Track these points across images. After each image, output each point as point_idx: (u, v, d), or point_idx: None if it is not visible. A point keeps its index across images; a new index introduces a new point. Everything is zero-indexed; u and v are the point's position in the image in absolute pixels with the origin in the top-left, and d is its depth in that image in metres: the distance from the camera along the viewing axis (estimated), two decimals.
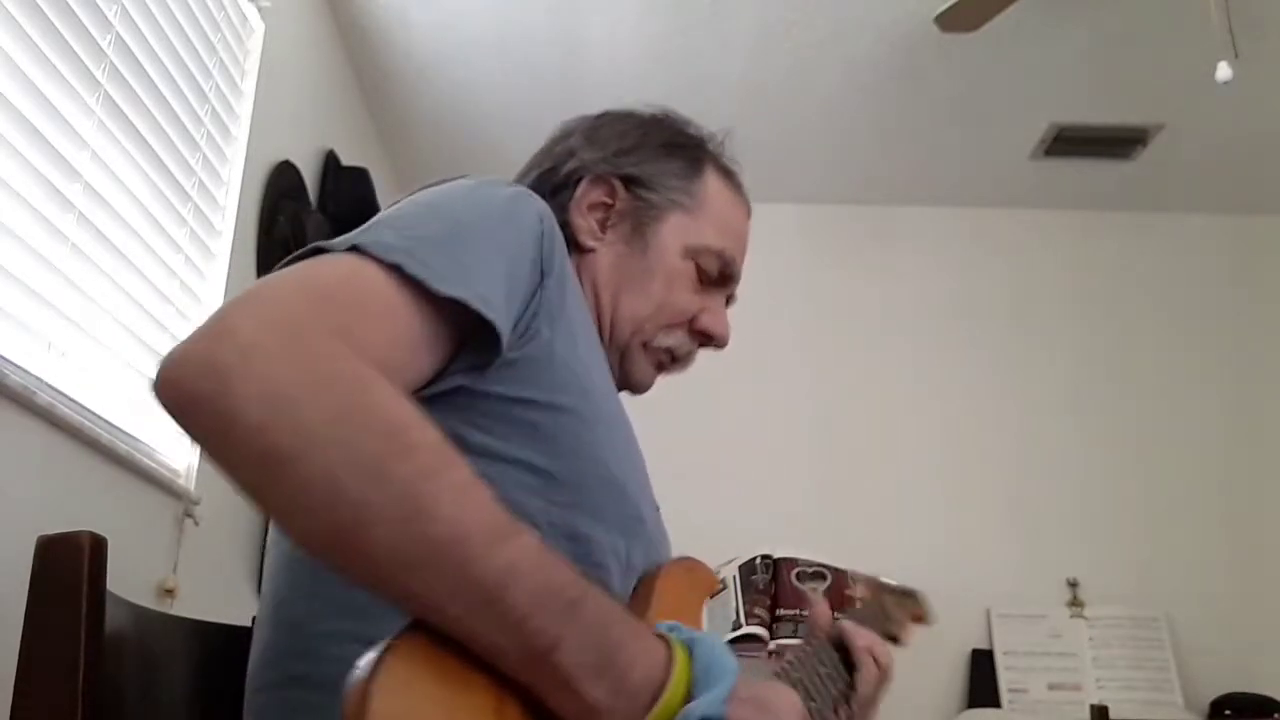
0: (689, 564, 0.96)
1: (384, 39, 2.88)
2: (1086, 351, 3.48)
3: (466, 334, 0.74)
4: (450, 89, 3.10)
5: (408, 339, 0.70)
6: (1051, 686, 3.03)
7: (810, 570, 3.09)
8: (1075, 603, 3.16)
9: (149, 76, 1.77)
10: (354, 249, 0.70)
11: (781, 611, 3.07)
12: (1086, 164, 3.39)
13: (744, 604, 2.92)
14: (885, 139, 3.29)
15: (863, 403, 3.39)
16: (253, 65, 2.25)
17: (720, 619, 2.91)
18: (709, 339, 1.04)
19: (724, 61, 2.88)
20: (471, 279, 0.72)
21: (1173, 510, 3.28)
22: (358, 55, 2.95)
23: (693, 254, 1.01)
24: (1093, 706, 2.48)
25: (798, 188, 3.53)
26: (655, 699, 0.63)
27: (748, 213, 1.10)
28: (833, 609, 1.07)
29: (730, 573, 2.98)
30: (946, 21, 2.43)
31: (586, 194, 1.00)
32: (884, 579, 1.28)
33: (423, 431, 0.62)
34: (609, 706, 0.62)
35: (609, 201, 1.01)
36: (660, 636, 0.68)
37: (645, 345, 1.00)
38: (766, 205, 3.79)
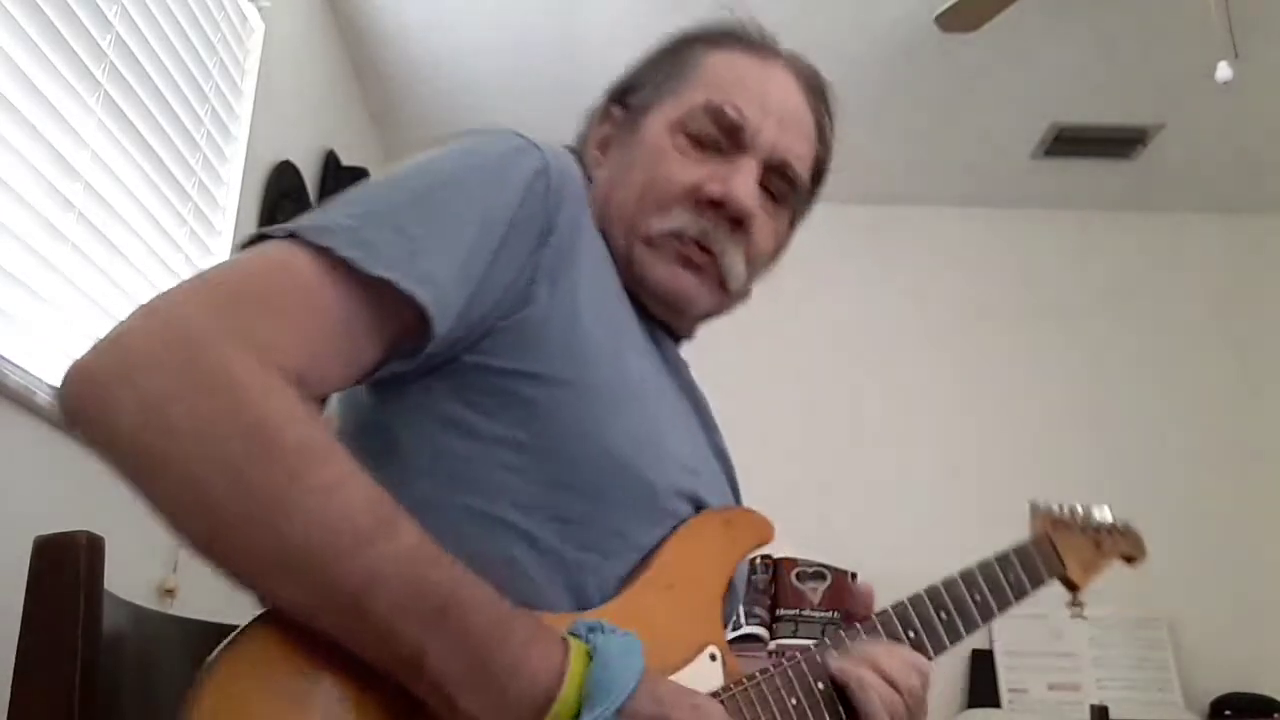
0: (727, 515, 0.84)
1: (383, 39, 2.88)
2: (1086, 351, 3.47)
3: (415, 314, 0.68)
4: (450, 89, 3.09)
5: (330, 328, 0.66)
6: (1051, 686, 3.03)
7: (810, 570, 3.09)
8: (1075, 603, 3.15)
9: (149, 76, 1.77)
10: (292, 235, 0.67)
11: (781, 611, 3.08)
12: (1086, 164, 3.39)
13: (744, 604, 2.92)
14: (885, 139, 3.29)
15: (862, 402, 3.39)
16: (253, 65, 2.25)
17: None
18: (720, 207, 0.85)
19: None
20: (416, 254, 0.67)
21: (1173, 510, 3.27)
22: (357, 55, 2.95)
23: (679, 126, 0.87)
24: (1093, 706, 2.48)
25: None
26: (540, 712, 0.60)
27: (774, 64, 0.93)
28: (839, 607, 0.95)
29: None
30: (946, 21, 2.43)
31: (591, 133, 0.95)
32: (1093, 510, 1.13)
33: (290, 432, 0.59)
34: (485, 717, 0.59)
35: (611, 130, 0.94)
36: (562, 640, 0.63)
37: (648, 241, 0.86)
38: None
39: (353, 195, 0.72)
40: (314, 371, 0.65)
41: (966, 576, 0.92)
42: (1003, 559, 0.95)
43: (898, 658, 0.80)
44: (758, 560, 2.64)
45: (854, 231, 3.60)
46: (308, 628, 0.60)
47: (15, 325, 1.41)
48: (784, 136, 0.89)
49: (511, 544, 0.72)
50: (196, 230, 1.98)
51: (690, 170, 0.86)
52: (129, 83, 1.70)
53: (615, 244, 0.86)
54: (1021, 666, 3.07)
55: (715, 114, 0.87)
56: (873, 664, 0.78)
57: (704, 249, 0.86)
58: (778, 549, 2.74)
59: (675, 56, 0.94)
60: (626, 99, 0.95)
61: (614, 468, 0.75)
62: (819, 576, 2.76)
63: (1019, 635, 3.12)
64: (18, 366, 1.37)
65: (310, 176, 2.59)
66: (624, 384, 0.79)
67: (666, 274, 0.86)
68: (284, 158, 2.40)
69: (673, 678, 0.73)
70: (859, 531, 3.09)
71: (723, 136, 0.87)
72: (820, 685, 0.78)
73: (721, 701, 0.73)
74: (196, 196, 1.97)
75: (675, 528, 0.79)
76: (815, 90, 0.96)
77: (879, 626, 0.85)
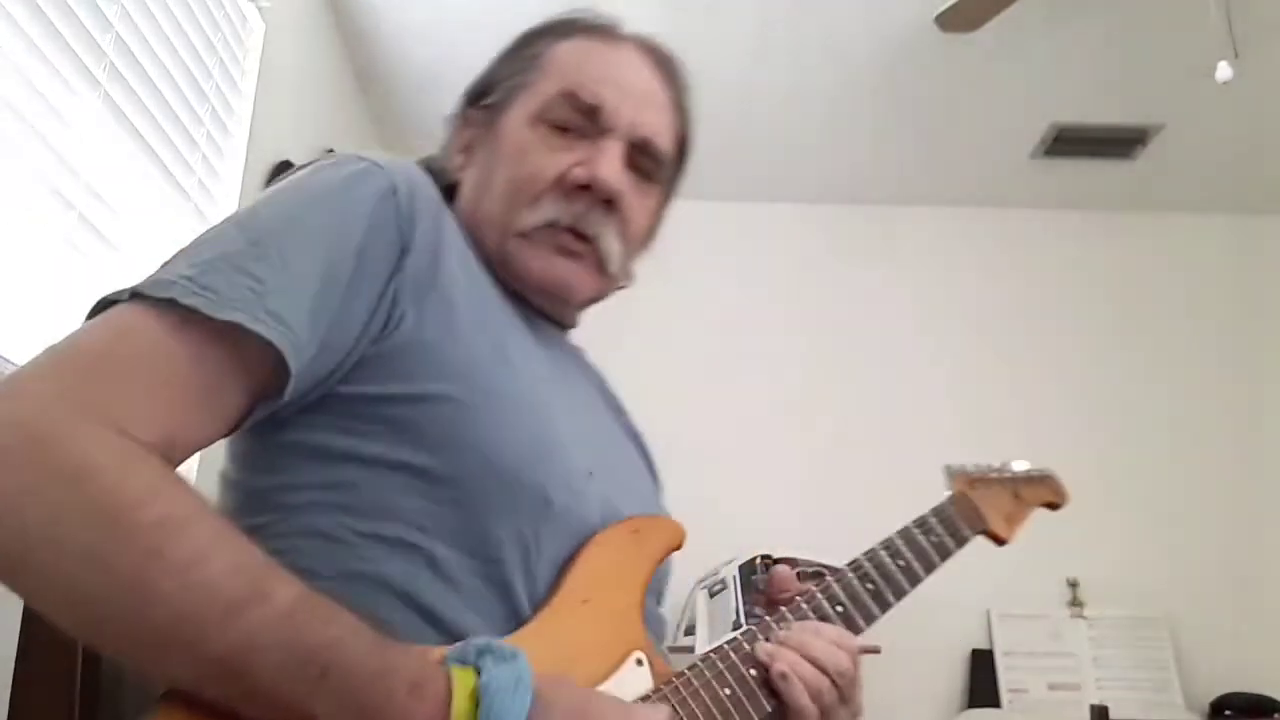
0: (635, 525, 0.82)
1: (384, 39, 2.88)
2: (1086, 351, 3.48)
3: (272, 356, 0.67)
4: (450, 89, 3.08)
5: (186, 383, 0.65)
6: (1051, 686, 3.03)
7: (810, 570, 3.10)
8: (1075, 603, 3.16)
9: (149, 76, 1.77)
10: (135, 295, 0.66)
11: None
12: (1086, 164, 3.39)
13: (744, 604, 2.92)
14: (885, 139, 3.29)
15: (862, 402, 3.39)
16: (252, 65, 2.25)
17: (720, 619, 2.92)
18: (588, 191, 0.86)
19: (724, 61, 2.88)
20: (262, 295, 0.66)
21: (1173, 510, 3.28)
22: (358, 55, 2.95)
23: (537, 118, 0.88)
24: (1093, 706, 2.48)
25: (798, 188, 3.53)
26: None
27: (622, 45, 0.94)
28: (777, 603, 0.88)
29: (730, 573, 2.98)
30: (946, 21, 2.43)
31: (453, 139, 0.95)
32: (1009, 464, 1.12)
33: (146, 509, 0.58)
34: None
35: (472, 133, 0.94)
36: (447, 680, 0.61)
37: (523, 235, 0.86)
38: (766, 205, 3.78)
39: (194, 245, 0.71)
40: (176, 431, 0.64)
41: (887, 545, 0.92)
42: (920, 522, 0.96)
43: (824, 639, 0.79)
44: (757, 560, 2.64)
45: (853, 231, 3.61)
46: (204, 701, 0.59)
47: (15, 325, 1.40)
48: (642, 113, 0.90)
49: (411, 564, 0.71)
50: (196, 230, 1.97)
51: (555, 159, 0.86)
52: (129, 82, 1.70)
53: (488, 244, 0.86)
54: (1021, 666, 3.07)
55: (572, 99, 0.87)
56: (799, 648, 0.78)
57: (579, 235, 0.87)
58: (778, 549, 2.74)
59: (524, 52, 0.94)
60: (482, 101, 0.95)
61: (505, 476, 0.74)
62: (818, 577, 2.76)
63: (1019, 635, 3.12)
64: (16, 366, 1.37)
65: None
66: (510, 391, 0.77)
67: (545, 265, 0.86)
68: (284, 157, 2.40)
69: (600, 687, 0.73)
70: (859, 532, 3.09)
71: (583, 120, 0.88)
72: (753, 672, 0.78)
73: (652, 703, 0.73)
74: (196, 196, 1.97)
75: (584, 536, 0.78)
76: (666, 66, 0.96)
77: (805, 606, 0.85)
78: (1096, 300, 3.54)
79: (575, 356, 0.95)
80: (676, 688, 0.75)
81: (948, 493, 1.03)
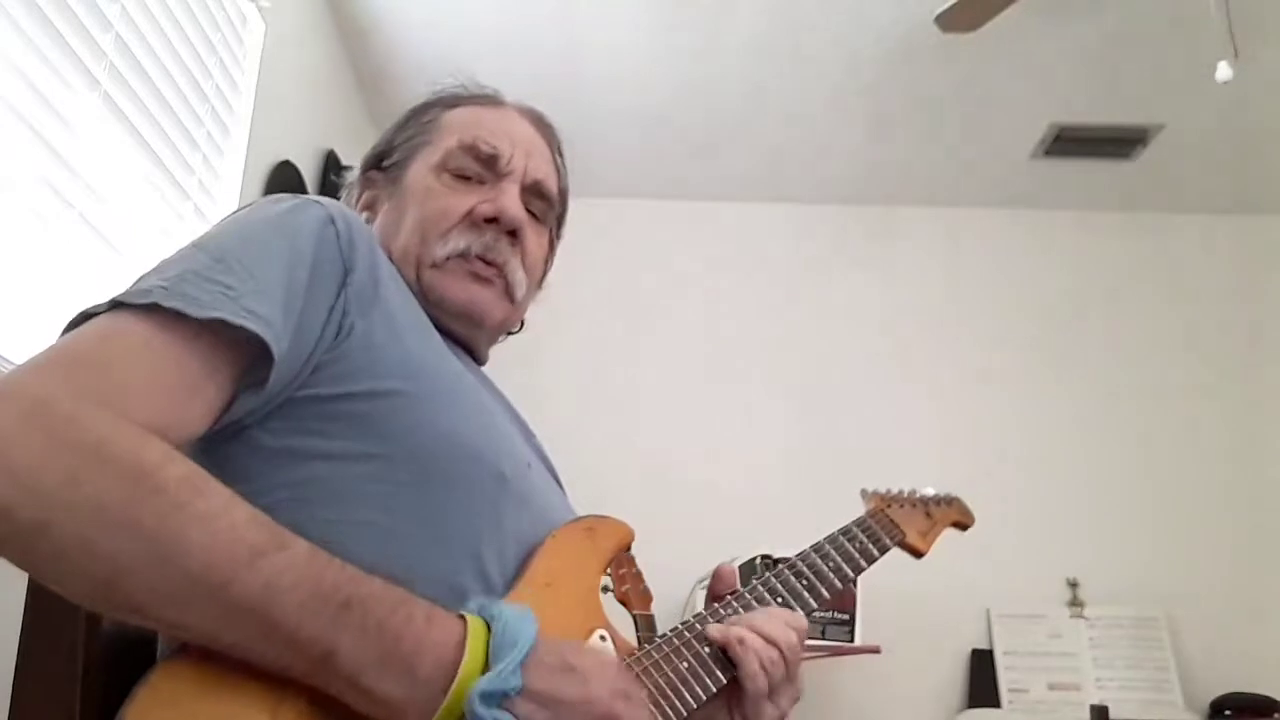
0: (588, 524, 0.90)
1: (384, 38, 2.88)
2: (1086, 351, 3.48)
3: (251, 351, 0.72)
4: None
5: (174, 377, 0.69)
6: (1051, 686, 3.03)
7: None
8: (1075, 603, 3.16)
9: (149, 76, 1.77)
10: (115, 305, 0.71)
11: None
12: (1086, 164, 3.39)
13: None
14: (885, 139, 3.29)
15: (862, 403, 3.39)
16: (252, 64, 2.25)
17: None
18: (493, 223, 0.97)
19: (724, 61, 2.88)
20: (236, 298, 0.71)
21: (1173, 510, 3.28)
22: (357, 55, 2.95)
23: (440, 167, 0.99)
24: (1093, 706, 2.48)
25: (797, 188, 3.53)
26: (450, 680, 0.63)
27: (505, 109, 1.07)
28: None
29: None
30: (946, 21, 2.43)
31: (356, 201, 1.05)
32: (919, 489, 1.23)
33: (166, 470, 0.62)
34: (402, 697, 0.63)
35: (374, 193, 1.04)
36: (459, 616, 0.67)
37: (435, 266, 0.96)
38: (766, 205, 3.77)
39: (159, 266, 0.76)
40: (167, 421, 0.67)
41: (817, 548, 1.02)
42: (845, 531, 1.06)
43: (776, 618, 0.88)
44: (758, 560, 2.64)
45: (853, 232, 3.61)
46: (215, 655, 0.63)
47: (15, 325, 1.40)
48: (532, 161, 1.03)
49: (381, 544, 0.74)
50: (196, 229, 1.98)
51: (462, 199, 0.97)
52: (129, 82, 1.70)
53: (407, 274, 0.94)
54: (1021, 666, 3.07)
55: (471, 149, 0.99)
56: (750, 626, 0.86)
57: (488, 263, 0.97)
58: (777, 549, 2.74)
59: (418, 120, 1.07)
60: (382, 163, 1.05)
61: (463, 454, 0.81)
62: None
63: (1019, 635, 3.12)
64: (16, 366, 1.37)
65: (310, 176, 2.59)
66: (455, 387, 0.86)
67: (459, 289, 0.96)
68: (284, 157, 2.40)
69: None
70: None
71: (482, 168, 0.99)
72: (706, 649, 0.86)
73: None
74: (196, 196, 1.97)
75: (537, 517, 0.85)
76: (544, 125, 1.10)
77: (748, 596, 0.94)
78: (1096, 300, 3.54)
79: (491, 383, 1.02)
80: (639, 658, 0.83)
81: (865, 509, 1.13)
